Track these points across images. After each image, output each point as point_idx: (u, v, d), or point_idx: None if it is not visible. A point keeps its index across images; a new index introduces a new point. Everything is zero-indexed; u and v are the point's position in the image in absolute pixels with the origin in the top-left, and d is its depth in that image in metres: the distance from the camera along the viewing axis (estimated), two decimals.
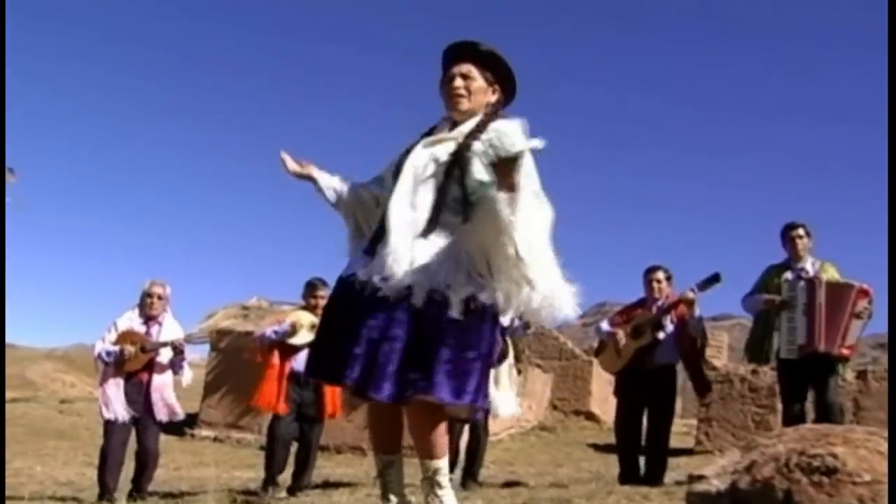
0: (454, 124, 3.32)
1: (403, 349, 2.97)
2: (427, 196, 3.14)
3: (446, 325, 2.99)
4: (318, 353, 3.26)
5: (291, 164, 3.52)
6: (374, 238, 3.20)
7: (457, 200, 3.14)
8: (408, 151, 3.26)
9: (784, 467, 1.99)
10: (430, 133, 3.35)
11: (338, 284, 3.26)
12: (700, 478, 2.15)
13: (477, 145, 3.17)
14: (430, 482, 3.15)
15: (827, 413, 6.39)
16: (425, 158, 3.20)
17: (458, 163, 3.15)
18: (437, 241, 3.07)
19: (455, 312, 2.98)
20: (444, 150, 3.20)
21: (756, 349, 6.85)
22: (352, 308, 3.08)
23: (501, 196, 2.91)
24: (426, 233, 3.08)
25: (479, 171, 3.12)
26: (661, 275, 7.37)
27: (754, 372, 13.77)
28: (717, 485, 2.08)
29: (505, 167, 2.90)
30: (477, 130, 3.23)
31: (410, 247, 3.04)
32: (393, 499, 3.22)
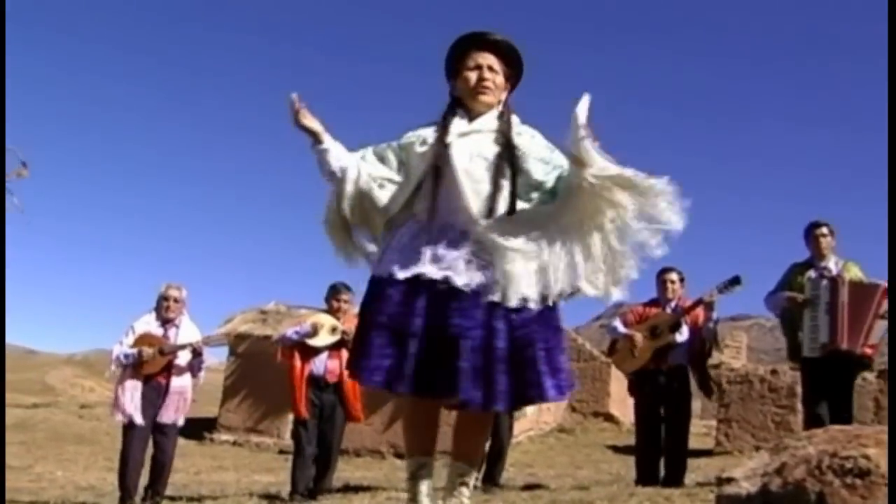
0: (468, 113, 3.32)
1: (508, 358, 2.97)
2: (483, 191, 3.13)
3: (534, 326, 3.02)
4: (403, 365, 2.95)
5: (303, 116, 3.30)
6: (430, 233, 3.10)
7: (508, 196, 3.15)
8: (442, 141, 3.21)
9: (816, 469, 1.95)
10: (445, 120, 3.30)
11: (401, 285, 3.03)
12: (729, 480, 2.12)
13: (522, 143, 3.23)
14: (462, 485, 3.15)
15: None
16: (469, 152, 3.19)
17: (507, 160, 3.17)
18: (508, 239, 3.06)
19: (535, 312, 3.02)
20: (487, 146, 3.21)
21: (795, 351, 6.78)
22: (435, 313, 2.97)
23: (590, 175, 2.99)
24: (491, 230, 3.08)
25: (537, 171, 3.20)
26: (674, 276, 7.37)
27: (773, 372, 13.67)
28: (746, 487, 2.05)
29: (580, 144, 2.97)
30: (508, 128, 3.26)
31: (495, 248, 3.05)
32: (425, 501, 3.15)
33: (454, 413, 3.24)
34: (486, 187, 3.12)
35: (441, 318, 2.95)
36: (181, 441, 7.55)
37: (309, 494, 7.24)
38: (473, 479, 3.21)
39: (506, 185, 3.14)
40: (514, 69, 3.38)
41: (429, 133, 3.27)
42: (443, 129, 3.26)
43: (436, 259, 3.02)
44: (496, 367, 2.94)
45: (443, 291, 2.97)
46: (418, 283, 2.99)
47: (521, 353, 2.99)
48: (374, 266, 3.20)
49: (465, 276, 2.98)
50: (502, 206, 3.12)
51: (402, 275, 3.02)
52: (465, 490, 3.16)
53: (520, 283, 3.00)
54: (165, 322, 7.27)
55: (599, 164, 2.99)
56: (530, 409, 7.01)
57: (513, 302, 2.98)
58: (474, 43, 3.33)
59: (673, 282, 7.35)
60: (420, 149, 3.25)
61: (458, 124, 3.27)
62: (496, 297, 2.98)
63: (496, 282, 2.99)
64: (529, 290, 3.02)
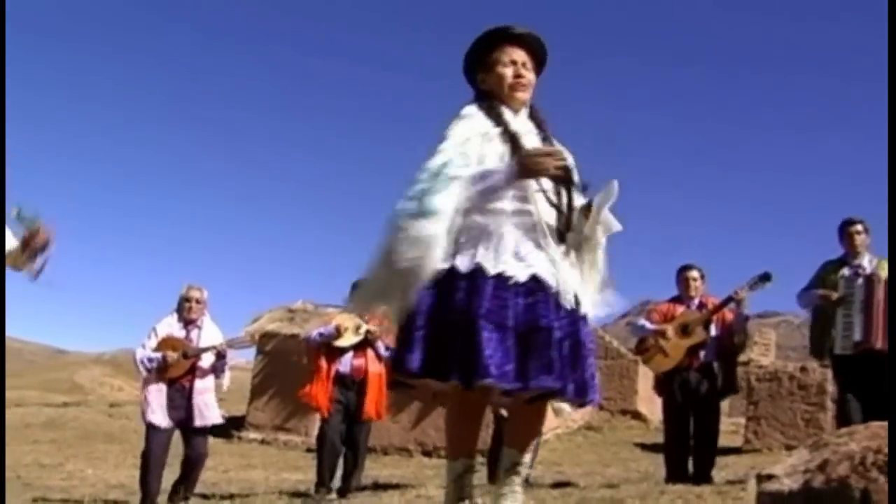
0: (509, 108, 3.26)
1: (587, 356, 3.05)
2: (551, 193, 3.13)
3: (588, 330, 3.08)
4: (507, 359, 2.88)
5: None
6: (504, 229, 3.04)
7: (568, 207, 3.18)
8: (513, 134, 3.15)
9: (860, 466, 1.93)
10: (492, 111, 3.21)
11: (491, 279, 2.94)
12: (769, 477, 2.10)
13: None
14: (514, 474, 3.14)
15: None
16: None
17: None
18: (571, 249, 3.16)
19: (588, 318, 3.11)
20: None
21: (817, 345, 6.74)
22: (523, 307, 2.94)
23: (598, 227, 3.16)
24: (560, 236, 3.13)
25: (577, 192, 3.24)
26: (695, 273, 7.37)
27: (803, 369, 13.54)
28: (788, 484, 2.02)
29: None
30: (549, 133, 3.28)
31: (565, 255, 3.11)
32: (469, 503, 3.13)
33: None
34: (552, 192, 3.13)
35: (530, 312, 2.93)
36: (210, 439, 7.55)
37: (339, 492, 7.28)
38: (526, 467, 3.20)
39: (564, 194, 3.16)
40: (540, 66, 3.35)
41: (485, 125, 3.16)
42: (504, 121, 3.19)
43: (518, 257, 2.99)
44: (583, 361, 3.00)
45: (529, 288, 2.95)
46: (505, 279, 2.94)
47: (585, 353, 3.03)
48: (446, 258, 2.99)
49: (549, 278, 2.98)
50: (564, 215, 3.14)
51: (493, 270, 2.95)
52: (516, 478, 3.13)
53: (586, 295, 3.10)
54: (188, 323, 7.26)
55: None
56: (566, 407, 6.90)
57: (585, 311, 3.06)
58: (507, 37, 3.27)
59: (695, 279, 7.34)
60: (487, 143, 3.13)
61: (509, 117, 3.22)
62: (573, 304, 3.02)
63: (569, 290, 3.02)
64: (589, 302, 3.11)
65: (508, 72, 3.24)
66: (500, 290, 2.92)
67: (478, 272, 2.94)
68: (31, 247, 4.03)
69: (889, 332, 6.25)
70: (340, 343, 7.43)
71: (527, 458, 3.20)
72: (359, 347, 7.45)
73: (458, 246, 3.01)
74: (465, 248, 3.00)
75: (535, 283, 2.95)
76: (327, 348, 7.45)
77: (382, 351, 7.50)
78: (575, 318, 3.01)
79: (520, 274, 2.94)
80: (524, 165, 3.03)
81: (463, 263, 2.97)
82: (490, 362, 2.82)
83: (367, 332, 7.38)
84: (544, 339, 2.89)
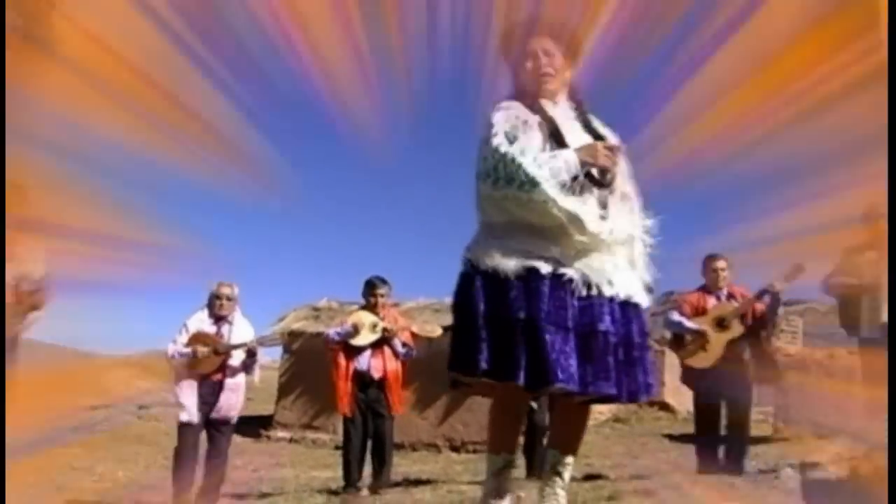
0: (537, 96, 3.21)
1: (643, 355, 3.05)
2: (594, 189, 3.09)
3: (642, 319, 3.09)
4: (570, 361, 2.86)
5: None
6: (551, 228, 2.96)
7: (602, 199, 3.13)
8: (553, 122, 3.11)
9: None
10: (528, 101, 3.16)
11: (546, 279, 2.90)
12: (814, 465, 2.09)
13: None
14: (556, 475, 3.15)
15: None
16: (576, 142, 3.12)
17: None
18: (617, 239, 3.12)
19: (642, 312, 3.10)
20: (584, 139, 3.14)
21: (849, 322, 6.67)
22: (578, 308, 2.93)
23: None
24: (608, 230, 3.08)
25: (623, 180, 3.20)
26: (723, 263, 7.28)
27: (831, 357, 13.45)
28: (835, 471, 2.01)
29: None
30: (590, 121, 3.25)
31: (615, 248, 3.09)
32: (508, 497, 3.13)
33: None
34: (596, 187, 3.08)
35: (587, 314, 2.92)
36: (238, 439, 7.58)
37: (370, 490, 7.30)
38: (569, 469, 3.21)
39: (609, 183, 3.12)
40: (570, 46, 3.27)
41: (524, 113, 3.10)
42: (539, 108, 3.15)
43: (565, 256, 2.95)
44: (635, 363, 3.00)
45: (580, 287, 2.93)
46: (559, 278, 2.92)
47: (635, 349, 3.04)
48: (502, 260, 2.94)
49: (601, 276, 2.96)
50: (605, 206, 3.09)
51: (545, 270, 2.91)
52: (559, 480, 3.16)
53: (637, 288, 3.08)
54: (218, 319, 7.27)
55: None
56: None
57: (637, 301, 3.07)
58: (522, 31, 3.25)
59: (723, 269, 7.25)
60: (530, 130, 3.05)
61: (547, 106, 3.18)
62: (625, 299, 3.01)
63: (621, 287, 3.01)
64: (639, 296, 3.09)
65: (529, 65, 3.20)
66: (556, 291, 2.89)
67: (532, 273, 2.90)
68: (26, 303, 3.99)
69: (889, 334, 6.19)
70: (357, 341, 7.49)
71: (570, 458, 3.19)
72: (376, 345, 7.49)
73: (508, 247, 2.95)
74: (515, 249, 2.94)
75: (584, 282, 2.93)
76: (345, 347, 7.50)
77: (399, 348, 7.55)
78: (628, 316, 3.00)
79: (574, 275, 2.92)
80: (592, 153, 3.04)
81: (520, 266, 2.91)
82: (556, 366, 2.80)
83: (384, 329, 7.44)
84: (602, 344, 2.89)
